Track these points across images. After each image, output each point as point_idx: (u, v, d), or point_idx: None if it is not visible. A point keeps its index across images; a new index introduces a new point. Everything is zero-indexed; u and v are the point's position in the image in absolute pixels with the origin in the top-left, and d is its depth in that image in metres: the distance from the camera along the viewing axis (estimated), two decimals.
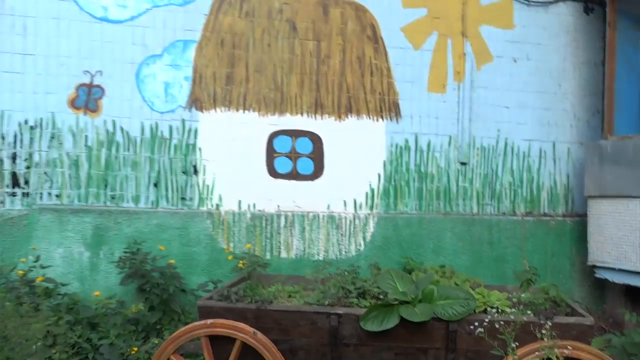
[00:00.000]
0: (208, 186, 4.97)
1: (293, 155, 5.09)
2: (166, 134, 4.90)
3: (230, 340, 3.30)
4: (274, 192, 5.04)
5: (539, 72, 5.49)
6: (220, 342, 3.33)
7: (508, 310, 3.34)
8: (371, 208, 5.20)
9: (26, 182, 4.67)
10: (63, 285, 4.43)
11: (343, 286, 3.66)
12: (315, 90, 5.11)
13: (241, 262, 4.45)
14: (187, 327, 3.39)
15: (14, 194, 4.65)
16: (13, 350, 3.23)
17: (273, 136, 5.06)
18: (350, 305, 3.51)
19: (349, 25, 5.16)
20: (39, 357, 3.34)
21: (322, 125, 5.12)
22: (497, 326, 3.05)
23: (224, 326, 3.31)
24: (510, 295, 3.71)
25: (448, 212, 5.34)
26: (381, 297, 3.59)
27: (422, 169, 5.30)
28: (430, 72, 5.31)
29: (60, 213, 4.69)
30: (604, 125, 5.18)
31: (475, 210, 5.39)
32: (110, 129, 4.80)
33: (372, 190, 5.22)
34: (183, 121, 4.92)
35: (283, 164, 5.07)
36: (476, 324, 3.14)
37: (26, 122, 4.67)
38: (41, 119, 4.69)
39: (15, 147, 4.65)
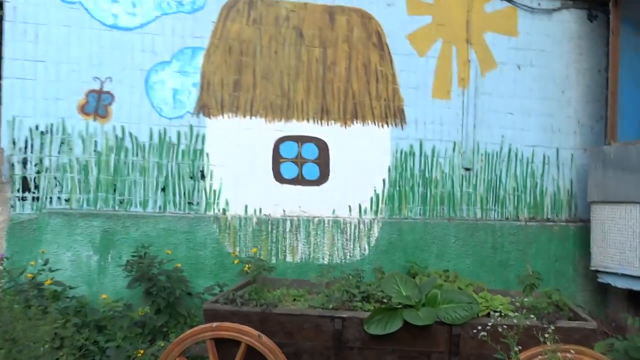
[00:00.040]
0: (215, 191, 5.02)
1: (299, 161, 5.14)
2: (174, 140, 4.95)
3: (236, 343, 3.33)
4: (280, 197, 5.09)
5: (542, 79, 5.51)
6: (225, 345, 3.36)
7: (511, 314, 3.35)
8: (376, 213, 5.24)
9: (36, 187, 4.74)
10: (71, 288, 4.47)
11: (347, 290, 3.69)
12: (321, 97, 5.16)
13: (247, 266, 4.48)
14: (193, 330, 3.43)
15: (24, 198, 4.71)
16: (21, 352, 3.22)
17: (279, 142, 5.11)
18: (354, 308, 3.53)
19: (355, 33, 5.22)
20: (46, 359, 3.33)
21: (327, 131, 5.16)
22: (500, 330, 3.06)
23: (229, 329, 3.35)
24: (513, 300, 3.73)
25: (452, 217, 5.36)
26: (385, 301, 3.62)
27: (427, 175, 5.33)
28: (434, 78, 5.35)
29: (70, 217, 4.75)
30: (607, 131, 5.21)
31: (479, 215, 5.41)
32: (119, 134, 4.87)
33: (377, 196, 5.25)
34: (191, 127, 4.98)
35: (289, 169, 5.12)
36: (479, 327, 3.16)
37: (37, 127, 4.73)
38: (51, 125, 4.75)
39: (26, 152, 4.72)
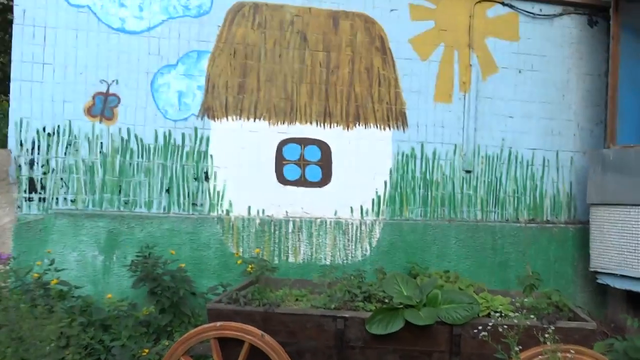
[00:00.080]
0: (219, 192, 5.07)
1: (302, 163, 5.19)
2: (179, 142, 5.00)
3: (239, 342, 3.34)
4: (282, 198, 5.13)
5: (543, 83, 5.55)
6: (229, 344, 3.38)
7: (511, 314, 3.36)
8: (377, 214, 5.28)
9: (43, 188, 4.78)
10: (77, 288, 4.50)
11: (349, 290, 3.72)
12: (324, 100, 5.21)
13: (250, 266, 4.47)
14: (196, 329, 3.44)
15: (30, 199, 4.76)
16: (27, 351, 3.22)
17: (282, 144, 5.15)
18: (356, 308, 3.55)
19: (358, 37, 5.27)
20: (52, 357, 3.32)
21: (330, 134, 5.21)
22: (500, 330, 3.07)
23: (232, 329, 3.36)
24: (513, 300, 3.75)
25: (453, 218, 5.41)
26: (386, 301, 3.64)
27: (428, 177, 5.37)
28: (436, 82, 5.39)
29: (75, 218, 4.80)
30: (607, 134, 5.24)
31: (479, 217, 5.45)
32: (125, 136, 4.91)
33: (379, 197, 5.30)
34: (195, 129, 5.03)
35: (292, 171, 5.16)
36: (480, 327, 3.17)
37: (44, 129, 4.78)
38: (58, 126, 4.80)
39: (32, 153, 4.76)
